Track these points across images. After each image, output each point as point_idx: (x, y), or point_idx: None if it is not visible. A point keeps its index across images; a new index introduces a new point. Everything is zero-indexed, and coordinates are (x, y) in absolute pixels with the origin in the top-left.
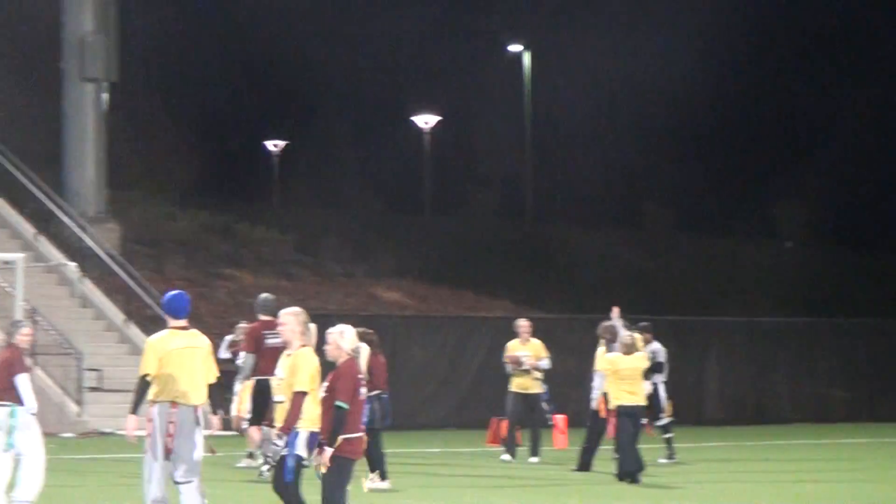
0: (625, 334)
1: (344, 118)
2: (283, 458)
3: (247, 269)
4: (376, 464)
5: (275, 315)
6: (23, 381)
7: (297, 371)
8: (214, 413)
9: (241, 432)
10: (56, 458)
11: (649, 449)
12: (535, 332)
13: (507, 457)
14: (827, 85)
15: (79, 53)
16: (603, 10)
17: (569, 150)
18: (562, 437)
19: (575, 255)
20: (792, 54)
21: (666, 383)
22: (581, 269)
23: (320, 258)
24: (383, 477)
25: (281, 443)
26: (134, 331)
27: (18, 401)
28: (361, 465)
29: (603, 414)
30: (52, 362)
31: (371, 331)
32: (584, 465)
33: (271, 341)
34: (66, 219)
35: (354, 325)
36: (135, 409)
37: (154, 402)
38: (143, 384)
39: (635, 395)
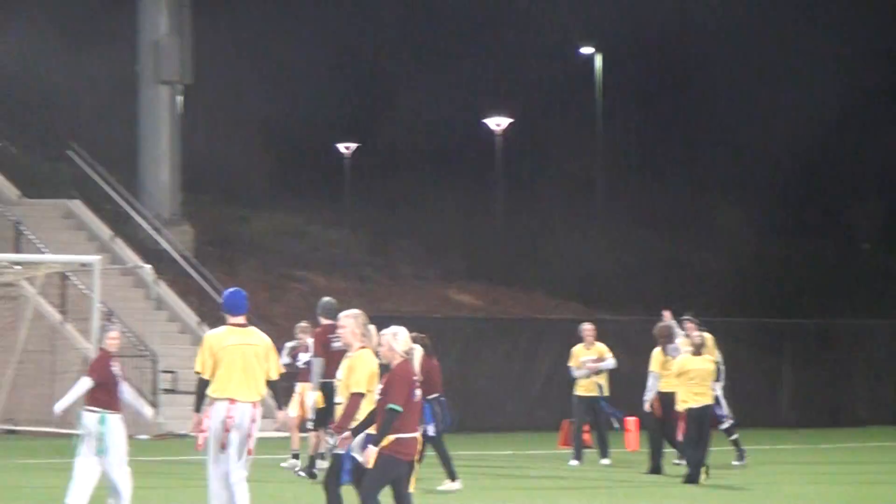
0: (694, 334)
1: (416, 120)
2: (338, 456)
3: (319, 272)
4: (446, 465)
5: (335, 319)
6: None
7: (354, 372)
8: (280, 409)
9: (293, 432)
10: (131, 461)
11: (719, 452)
12: (609, 335)
13: (574, 462)
14: None
15: (153, 56)
16: (671, 13)
17: (639, 151)
18: (633, 439)
19: (647, 256)
20: (867, 54)
21: (724, 386)
22: (653, 271)
23: (392, 260)
24: (453, 478)
25: (333, 441)
26: (207, 332)
27: (108, 406)
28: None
29: (657, 414)
30: (127, 364)
31: (423, 335)
32: (656, 467)
33: (335, 345)
34: (141, 221)
35: (422, 329)
36: (198, 408)
37: (213, 399)
38: (200, 382)
39: (704, 396)
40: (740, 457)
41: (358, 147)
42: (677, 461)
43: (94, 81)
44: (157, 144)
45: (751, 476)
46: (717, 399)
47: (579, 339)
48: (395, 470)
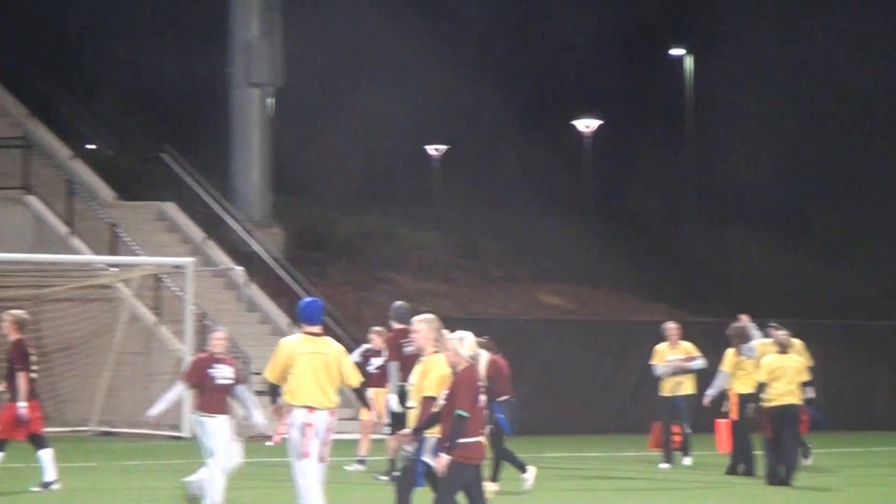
0: (779, 333)
1: (505, 122)
2: (411, 460)
3: (407, 274)
4: (515, 465)
5: (408, 323)
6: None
7: (427, 376)
8: (367, 407)
9: (363, 437)
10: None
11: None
12: (698, 336)
13: (664, 465)
14: None
15: (245, 58)
16: (765, 15)
17: (730, 154)
18: (724, 441)
19: (737, 258)
20: None
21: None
22: (743, 272)
23: (481, 262)
24: (494, 479)
25: (410, 447)
26: (283, 339)
27: (205, 409)
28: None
29: (734, 416)
30: None
31: (486, 339)
32: (748, 469)
33: (407, 349)
34: (232, 223)
35: (511, 331)
36: (273, 400)
37: (291, 406)
38: (270, 386)
39: (790, 395)
40: (805, 454)
41: (447, 149)
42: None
43: (186, 83)
44: (249, 147)
45: (844, 478)
46: (809, 401)
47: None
48: (464, 475)
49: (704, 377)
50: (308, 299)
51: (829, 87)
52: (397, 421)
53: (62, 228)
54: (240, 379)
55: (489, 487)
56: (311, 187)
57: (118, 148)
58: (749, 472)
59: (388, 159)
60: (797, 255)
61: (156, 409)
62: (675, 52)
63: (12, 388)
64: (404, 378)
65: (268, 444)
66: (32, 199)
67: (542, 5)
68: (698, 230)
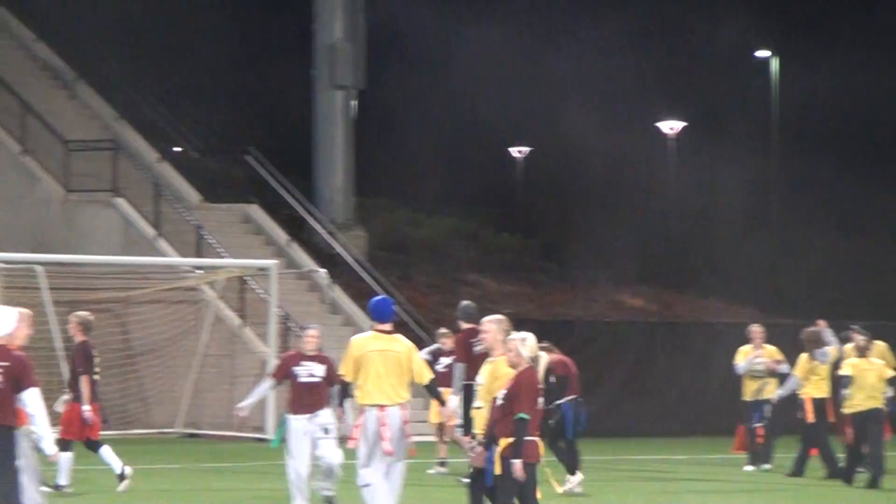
0: (859, 337)
1: (589, 123)
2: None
3: (490, 276)
4: (572, 466)
5: (476, 322)
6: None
7: (498, 379)
8: (442, 405)
9: (438, 439)
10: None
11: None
12: (786, 340)
13: (749, 467)
14: None
15: (329, 61)
16: (852, 17)
17: (816, 157)
18: (739, 443)
19: (824, 260)
20: None
21: None
22: (829, 274)
23: (564, 264)
24: (573, 472)
25: (480, 449)
26: (353, 337)
27: (289, 407)
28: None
29: (810, 419)
30: None
31: (547, 343)
32: (833, 472)
33: (476, 349)
34: (316, 225)
35: (595, 333)
36: (339, 404)
37: (363, 405)
38: (343, 384)
39: (872, 399)
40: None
41: (531, 151)
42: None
43: (271, 86)
44: (332, 149)
45: None
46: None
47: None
48: (532, 475)
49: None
50: (378, 297)
51: None
52: (468, 421)
53: (149, 231)
54: (333, 378)
55: (572, 481)
56: (394, 189)
57: (204, 150)
58: (835, 475)
59: (472, 161)
60: (885, 257)
61: (245, 403)
62: (761, 54)
63: (76, 390)
64: (473, 377)
65: (349, 445)
66: (121, 202)
67: (626, 5)
68: (785, 232)
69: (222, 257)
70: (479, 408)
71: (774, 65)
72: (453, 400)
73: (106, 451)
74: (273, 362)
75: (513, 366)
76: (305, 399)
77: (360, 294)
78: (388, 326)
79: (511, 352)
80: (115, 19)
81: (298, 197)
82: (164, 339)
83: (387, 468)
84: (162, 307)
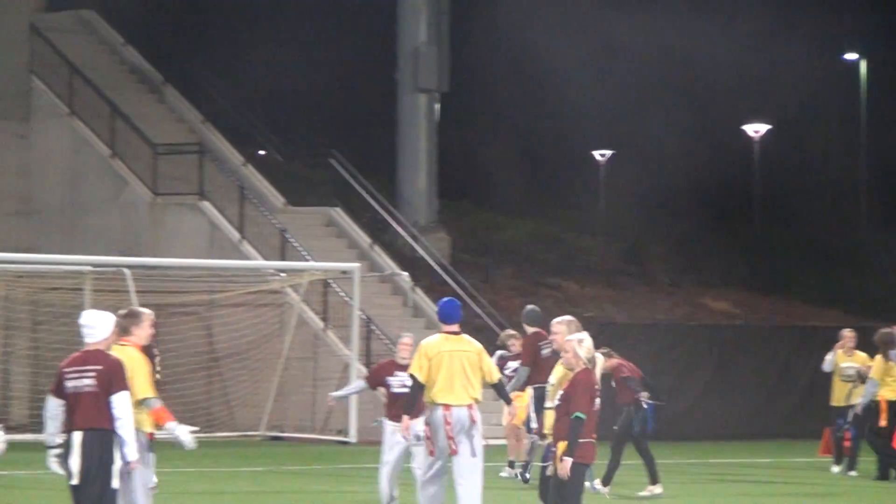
0: None
1: (672, 126)
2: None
3: (573, 279)
4: (650, 469)
5: (542, 326)
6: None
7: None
8: (508, 405)
9: (509, 440)
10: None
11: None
12: (872, 343)
13: (836, 469)
14: None
15: (412, 64)
16: None
17: None
18: (825, 446)
19: None
20: None
21: None
22: None
23: (647, 267)
24: (605, 483)
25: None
26: (423, 340)
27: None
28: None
29: (883, 422)
30: None
31: (607, 350)
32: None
33: (544, 352)
34: (399, 228)
35: (678, 336)
36: (407, 410)
37: (431, 405)
38: (415, 385)
39: None
40: None
41: (613, 154)
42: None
43: (354, 89)
44: (415, 152)
45: None
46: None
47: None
48: (584, 475)
49: None
50: (446, 299)
51: None
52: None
53: (234, 234)
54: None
55: (652, 490)
56: (476, 192)
57: (288, 154)
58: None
59: (554, 164)
60: None
61: (336, 394)
62: (850, 56)
63: None
64: (542, 380)
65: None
66: (207, 205)
67: (712, 6)
68: (873, 235)
69: (305, 260)
70: (550, 408)
71: (863, 67)
72: (523, 398)
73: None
74: (355, 366)
75: (569, 367)
76: (399, 408)
77: (442, 297)
78: (455, 328)
79: (568, 353)
80: (200, 23)
81: (381, 200)
82: (248, 342)
83: (461, 468)
84: (246, 310)
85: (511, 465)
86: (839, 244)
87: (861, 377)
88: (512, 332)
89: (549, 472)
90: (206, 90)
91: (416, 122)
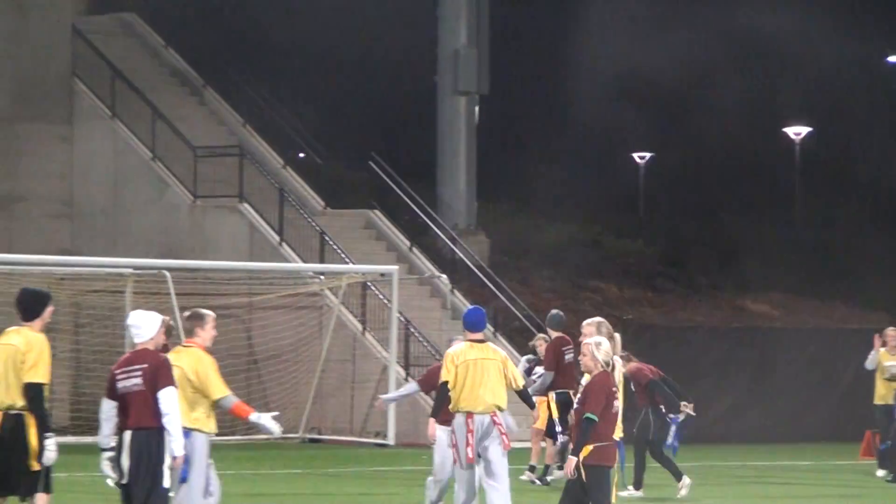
0: None
1: (712, 128)
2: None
3: (612, 281)
4: (674, 472)
5: (565, 330)
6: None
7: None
8: (532, 410)
9: (533, 444)
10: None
11: None
12: None
13: (881, 472)
14: None
15: (452, 66)
16: None
17: None
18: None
19: None
20: None
21: None
22: None
23: (686, 270)
24: (637, 486)
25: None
26: (502, 342)
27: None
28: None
29: None
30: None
31: (625, 353)
32: None
33: (567, 357)
34: (438, 231)
35: (717, 339)
36: (435, 414)
37: (455, 411)
38: (443, 391)
39: None
40: None
41: (653, 156)
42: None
43: (394, 91)
44: (455, 154)
45: None
46: None
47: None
48: (609, 477)
49: None
50: (471, 307)
51: None
52: (564, 426)
53: (274, 237)
54: None
55: (635, 494)
56: (515, 194)
57: (327, 156)
58: None
59: (593, 166)
60: None
61: (387, 396)
62: (893, 59)
63: None
64: (565, 384)
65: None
66: (246, 208)
67: (753, 8)
68: None
69: (345, 263)
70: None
71: None
72: (544, 403)
73: None
74: (394, 368)
75: (587, 370)
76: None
77: (481, 300)
78: (480, 335)
79: (585, 356)
80: (240, 26)
81: (420, 202)
82: (287, 345)
83: (491, 471)
84: (285, 313)
85: (532, 469)
86: (881, 246)
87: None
88: (543, 335)
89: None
90: (246, 93)
91: (456, 124)
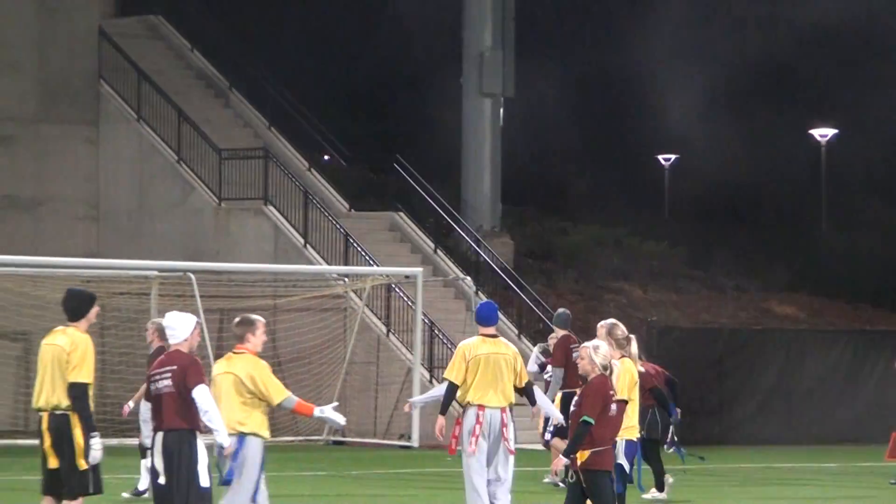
0: None
1: (736, 128)
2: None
3: (636, 283)
4: (656, 475)
5: (570, 329)
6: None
7: (618, 380)
8: (533, 406)
9: (546, 445)
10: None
11: None
12: None
13: None
14: None
15: (478, 69)
16: None
17: None
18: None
19: None
20: None
21: None
22: None
23: (711, 272)
24: (660, 489)
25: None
26: (526, 344)
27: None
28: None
29: None
30: None
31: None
32: None
33: (575, 355)
34: (462, 233)
35: (742, 341)
36: (443, 411)
37: (465, 405)
38: (449, 387)
39: None
40: None
41: (678, 158)
42: None
43: (419, 94)
44: (480, 157)
45: None
46: None
47: None
48: (610, 480)
49: None
50: (483, 301)
51: None
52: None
53: (298, 239)
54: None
55: (659, 496)
56: (540, 197)
57: (352, 159)
58: None
59: (618, 168)
60: None
61: (416, 399)
62: None
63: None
64: (574, 384)
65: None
66: (271, 210)
67: (779, 10)
68: None
69: (369, 265)
70: None
71: None
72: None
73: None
74: (418, 370)
75: (584, 373)
76: None
77: (505, 302)
78: (492, 330)
79: (583, 359)
80: (265, 29)
81: (445, 205)
82: (311, 347)
83: (496, 468)
84: (309, 315)
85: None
86: None
87: None
88: (554, 335)
89: (570, 478)
90: (270, 95)
91: (481, 126)
